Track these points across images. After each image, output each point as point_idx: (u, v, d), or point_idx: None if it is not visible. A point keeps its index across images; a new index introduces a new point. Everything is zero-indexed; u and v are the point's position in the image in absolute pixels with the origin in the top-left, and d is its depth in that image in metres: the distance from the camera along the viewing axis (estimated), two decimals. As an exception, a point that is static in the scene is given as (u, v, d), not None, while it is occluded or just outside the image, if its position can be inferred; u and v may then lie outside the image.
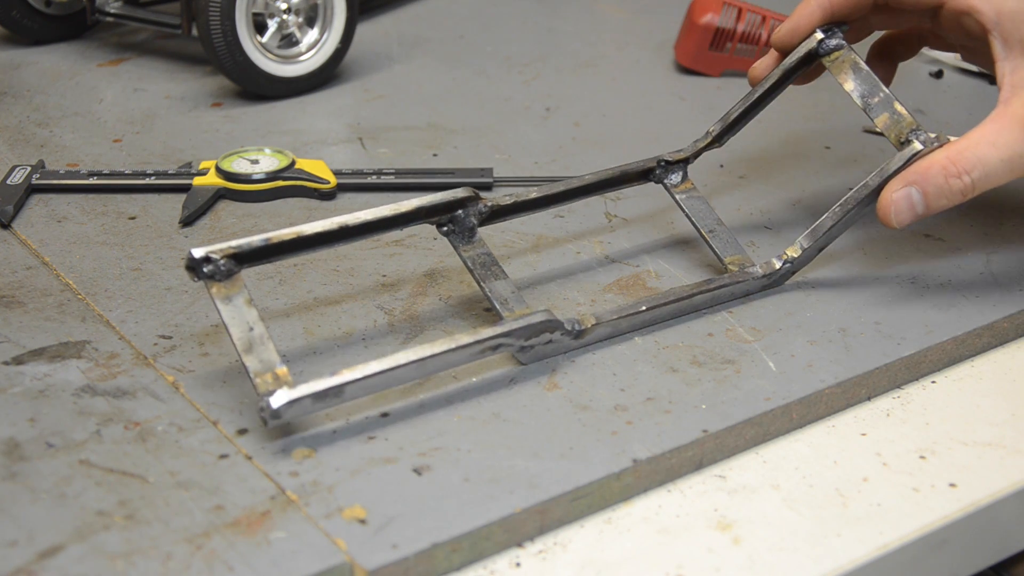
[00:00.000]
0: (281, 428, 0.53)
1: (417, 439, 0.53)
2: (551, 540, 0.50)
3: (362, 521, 0.48)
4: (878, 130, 0.63)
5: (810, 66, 0.67)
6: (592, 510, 0.51)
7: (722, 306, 0.62)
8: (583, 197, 0.66)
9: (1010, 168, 0.59)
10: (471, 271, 0.60)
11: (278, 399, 0.51)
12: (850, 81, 0.64)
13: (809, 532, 0.50)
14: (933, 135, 0.61)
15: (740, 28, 0.91)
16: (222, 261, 0.54)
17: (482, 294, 0.61)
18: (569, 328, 0.58)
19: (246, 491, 0.49)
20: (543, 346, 0.58)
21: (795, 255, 0.63)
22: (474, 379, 0.57)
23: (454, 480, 0.50)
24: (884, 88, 0.64)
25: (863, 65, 0.64)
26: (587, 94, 0.89)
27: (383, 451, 0.52)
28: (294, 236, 0.57)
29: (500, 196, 0.62)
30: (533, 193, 0.64)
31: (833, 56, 0.65)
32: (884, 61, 0.71)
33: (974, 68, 0.93)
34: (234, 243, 0.55)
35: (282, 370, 0.53)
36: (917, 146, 0.61)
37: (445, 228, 0.61)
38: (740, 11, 0.91)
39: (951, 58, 0.94)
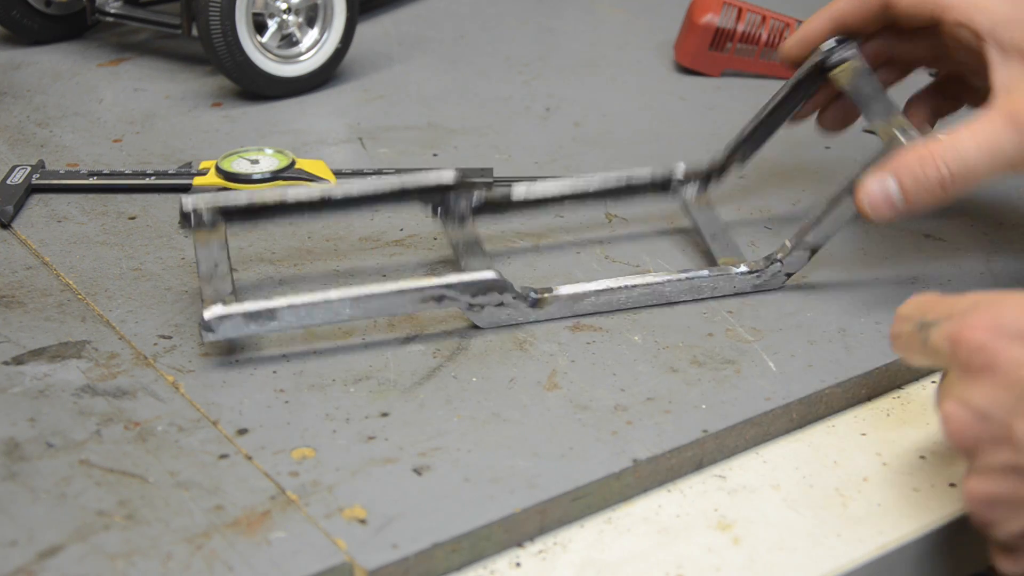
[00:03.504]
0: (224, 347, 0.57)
1: (417, 439, 0.53)
2: (551, 540, 0.50)
3: (362, 521, 0.48)
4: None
5: (821, 81, 0.65)
6: (592, 510, 0.51)
7: (722, 306, 0.62)
8: (590, 201, 0.68)
9: (991, 160, 0.57)
10: (455, 250, 0.62)
11: (212, 312, 0.56)
12: (853, 86, 0.63)
13: (809, 532, 0.50)
14: (918, 132, 0.61)
15: (740, 28, 0.91)
16: (207, 214, 0.60)
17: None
18: (523, 293, 0.59)
19: (246, 491, 0.49)
20: (495, 308, 0.59)
21: (782, 254, 0.63)
22: (474, 379, 0.57)
23: (454, 480, 0.50)
24: (885, 95, 0.63)
25: (867, 71, 0.63)
26: (587, 94, 0.89)
27: (383, 451, 0.52)
28: (277, 201, 0.61)
29: (497, 190, 0.64)
30: (540, 189, 0.66)
31: (840, 68, 0.64)
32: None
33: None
34: (221, 198, 0.60)
35: (229, 298, 0.57)
36: (900, 140, 0.61)
37: (437, 211, 0.63)
38: (740, 11, 0.91)
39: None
